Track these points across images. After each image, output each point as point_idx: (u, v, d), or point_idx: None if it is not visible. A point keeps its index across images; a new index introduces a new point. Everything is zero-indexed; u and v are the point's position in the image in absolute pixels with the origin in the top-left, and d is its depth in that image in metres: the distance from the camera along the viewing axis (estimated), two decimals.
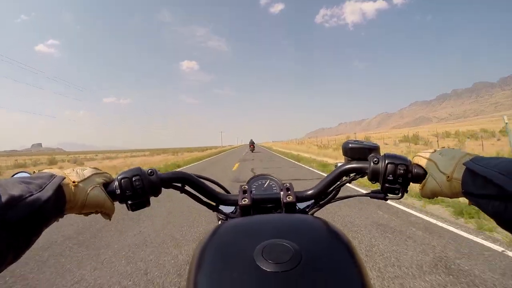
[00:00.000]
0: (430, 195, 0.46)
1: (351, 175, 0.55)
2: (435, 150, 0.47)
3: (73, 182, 0.41)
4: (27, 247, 0.32)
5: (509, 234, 1.94)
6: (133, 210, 0.49)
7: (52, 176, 0.38)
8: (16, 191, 0.31)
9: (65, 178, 0.40)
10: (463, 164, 0.39)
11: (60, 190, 0.38)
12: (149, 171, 0.50)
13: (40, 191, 0.33)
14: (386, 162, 0.48)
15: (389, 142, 27.88)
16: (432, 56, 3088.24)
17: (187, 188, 0.56)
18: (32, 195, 0.32)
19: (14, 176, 0.39)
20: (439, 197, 0.47)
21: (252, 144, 27.63)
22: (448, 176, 0.41)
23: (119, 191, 0.47)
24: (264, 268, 0.32)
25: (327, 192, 0.57)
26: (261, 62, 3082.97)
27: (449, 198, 0.43)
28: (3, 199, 0.29)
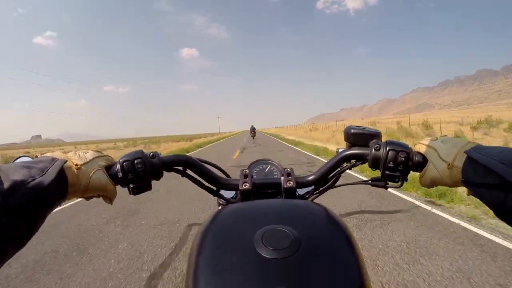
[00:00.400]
0: (430, 184, 0.45)
1: (352, 161, 0.55)
2: (436, 138, 0.47)
3: (76, 165, 0.41)
4: (32, 233, 0.32)
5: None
6: (134, 194, 0.48)
7: (54, 159, 0.37)
8: (17, 176, 0.30)
9: (67, 161, 0.39)
10: (465, 152, 0.39)
11: (62, 173, 0.37)
12: (151, 154, 0.50)
13: (42, 175, 0.33)
14: (388, 148, 0.47)
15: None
16: (435, 42, 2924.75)
17: (188, 172, 0.56)
18: (35, 179, 0.32)
19: (16, 161, 0.39)
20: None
21: (253, 130, 28.16)
22: (449, 164, 0.41)
23: (121, 174, 0.47)
24: (263, 254, 0.33)
25: (327, 178, 0.57)
26: (261, 48, 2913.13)
27: (448, 187, 0.43)
28: (5, 184, 0.28)
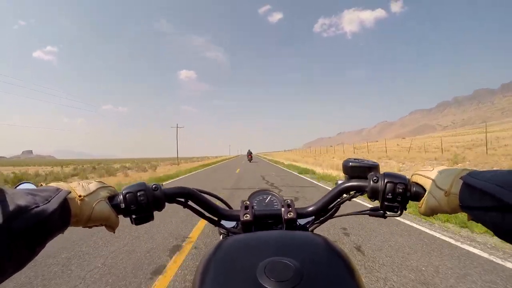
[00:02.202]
0: (429, 212, 0.47)
1: (351, 192, 0.57)
2: (433, 168, 0.49)
3: (79, 196, 0.43)
4: (31, 257, 0.33)
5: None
6: (136, 224, 0.51)
7: (58, 189, 0.39)
8: (22, 202, 0.32)
9: (70, 192, 0.42)
10: (460, 178, 0.41)
11: (65, 203, 0.39)
12: (153, 186, 0.52)
13: (46, 204, 0.35)
14: (385, 181, 0.50)
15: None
16: (431, 64, 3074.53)
17: (190, 203, 0.58)
18: (38, 206, 0.33)
19: (19, 186, 0.41)
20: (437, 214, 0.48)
21: (249, 154, 31.23)
22: (446, 192, 0.43)
23: (123, 205, 0.49)
24: (266, 286, 0.34)
25: (327, 208, 0.60)
26: (258, 71, 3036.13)
27: (447, 214, 0.45)
28: (10, 208, 0.30)
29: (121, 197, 0.49)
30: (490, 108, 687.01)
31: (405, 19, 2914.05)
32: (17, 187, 0.41)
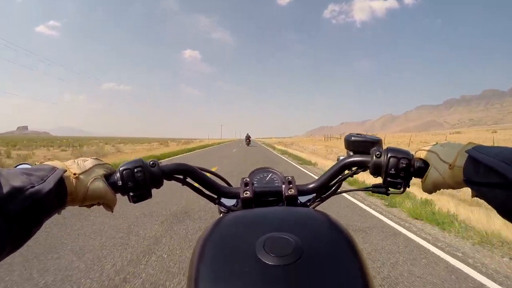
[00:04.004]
0: (432, 188, 0.46)
1: (353, 168, 0.56)
2: (436, 143, 0.49)
3: (74, 174, 0.42)
4: (27, 238, 0.33)
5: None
6: (134, 202, 0.50)
7: (53, 168, 0.39)
8: (17, 182, 0.32)
9: (66, 170, 0.41)
10: (466, 151, 0.40)
11: (61, 182, 0.39)
12: (151, 162, 0.51)
13: (41, 183, 0.34)
14: (389, 155, 0.49)
15: None
16: (440, 60, 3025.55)
17: (188, 180, 0.57)
18: (34, 186, 0.33)
19: (17, 167, 0.40)
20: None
21: (248, 138, 31.59)
22: (450, 165, 0.42)
23: (120, 182, 0.48)
24: (265, 261, 0.34)
25: (328, 185, 0.59)
26: (264, 55, 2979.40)
27: (451, 189, 0.43)
28: (5, 189, 0.30)
29: (118, 174, 0.49)
30: (500, 110, 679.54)
31: (417, 12, 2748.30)
32: (15, 168, 0.40)
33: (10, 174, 0.33)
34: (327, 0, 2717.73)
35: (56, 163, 0.42)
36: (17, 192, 0.31)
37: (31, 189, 0.33)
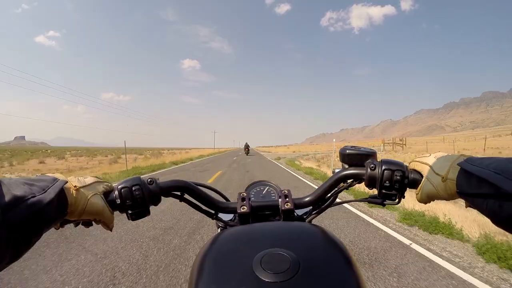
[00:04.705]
0: (426, 199, 0.47)
1: (349, 181, 0.58)
2: (430, 155, 0.50)
3: (75, 186, 0.43)
4: (27, 247, 0.33)
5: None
6: (133, 220, 0.51)
7: (55, 179, 0.40)
8: (19, 192, 0.32)
9: (67, 182, 0.42)
10: (458, 164, 0.41)
11: (62, 193, 0.40)
12: (149, 180, 0.52)
13: (42, 193, 0.35)
14: (383, 168, 0.50)
15: None
16: (438, 64, 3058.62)
17: (186, 196, 0.58)
18: (35, 196, 0.34)
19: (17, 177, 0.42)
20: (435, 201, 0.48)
21: (247, 147, 31.81)
22: (443, 177, 0.43)
23: (119, 200, 0.49)
24: (263, 278, 0.34)
25: (325, 198, 0.60)
26: (263, 64, 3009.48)
27: (444, 200, 0.45)
28: (6, 198, 0.30)
29: (116, 192, 0.49)
30: (501, 111, 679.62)
31: (414, 17, 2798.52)
32: (16, 178, 0.41)
33: (12, 183, 0.33)
34: (324, 8, 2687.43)
35: (57, 175, 0.43)
36: (18, 201, 0.31)
37: (32, 199, 0.33)
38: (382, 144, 25.01)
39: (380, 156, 0.53)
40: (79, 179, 0.46)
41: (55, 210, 0.38)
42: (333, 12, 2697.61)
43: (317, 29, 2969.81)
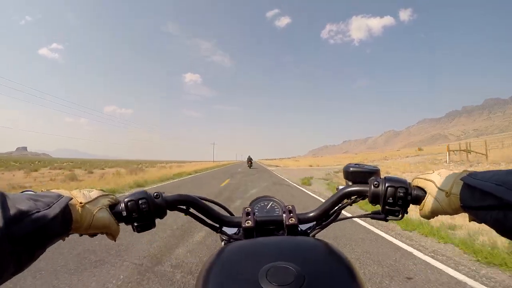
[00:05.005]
0: (430, 215, 0.49)
1: (352, 197, 0.59)
2: (433, 171, 0.51)
3: (80, 203, 0.44)
4: (31, 260, 0.34)
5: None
6: (138, 232, 0.53)
7: (59, 196, 0.41)
8: (24, 206, 0.33)
9: (72, 198, 0.43)
10: (461, 179, 0.43)
11: (67, 210, 0.40)
12: (155, 194, 0.54)
13: (47, 209, 0.36)
14: (386, 185, 0.51)
15: None
16: (439, 73, 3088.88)
17: (191, 210, 0.60)
18: (39, 211, 0.34)
19: (22, 193, 0.41)
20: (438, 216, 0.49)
21: (249, 160, 32.88)
22: (447, 192, 0.45)
23: (125, 213, 0.51)
24: None
25: (328, 214, 0.62)
26: (263, 77, 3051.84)
27: (448, 215, 0.46)
28: (11, 212, 0.31)
29: (122, 205, 0.51)
30: (503, 118, 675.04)
31: (413, 27, 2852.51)
32: (21, 193, 0.41)
33: (17, 198, 0.34)
34: (324, 21, 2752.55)
35: (62, 191, 0.43)
36: (23, 215, 0.32)
37: (36, 214, 0.34)
38: (447, 153, 20.10)
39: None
40: (84, 194, 0.47)
41: (60, 225, 0.38)
42: (333, 24, 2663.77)
43: (317, 42, 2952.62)
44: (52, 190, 0.43)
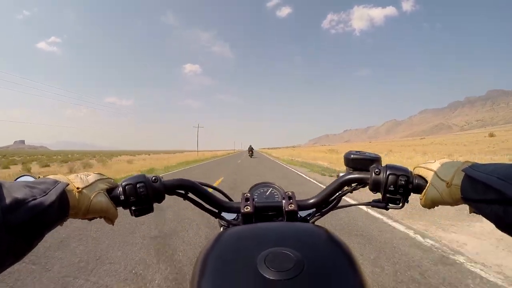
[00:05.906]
0: (431, 204, 0.49)
1: (353, 185, 0.60)
2: (434, 161, 0.51)
3: (77, 188, 0.44)
4: (28, 249, 0.34)
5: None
6: (136, 216, 0.53)
7: (56, 182, 0.40)
8: (20, 194, 0.33)
9: (69, 184, 0.43)
10: (462, 170, 0.42)
11: (63, 196, 0.40)
12: (153, 178, 0.54)
13: (43, 196, 0.35)
14: (388, 173, 0.52)
15: None
16: (441, 63, 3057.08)
17: (190, 195, 0.60)
18: (36, 199, 0.34)
19: (18, 179, 0.42)
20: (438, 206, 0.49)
21: (251, 150, 33.26)
22: (448, 183, 0.45)
23: (123, 197, 0.51)
24: (267, 276, 0.35)
25: (328, 201, 0.63)
26: (264, 67, 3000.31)
27: (450, 206, 0.47)
28: (7, 201, 0.31)
29: (120, 189, 0.51)
30: (507, 109, 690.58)
31: (415, 17, 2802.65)
32: (17, 180, 0.42)
33: (13, 186, 0.34)
34: (326, 10, 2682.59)
35: (59, 177, 0.43)
36: (19, 203, 0.32)
37: (33, 201, 0.33)
38: None
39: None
40: (81, 178, 0.47)
41: (57, 212, 0.38)
42: (334, 14, 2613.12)
43: (318, 31, 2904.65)
44: (49, 176, 0.42)
